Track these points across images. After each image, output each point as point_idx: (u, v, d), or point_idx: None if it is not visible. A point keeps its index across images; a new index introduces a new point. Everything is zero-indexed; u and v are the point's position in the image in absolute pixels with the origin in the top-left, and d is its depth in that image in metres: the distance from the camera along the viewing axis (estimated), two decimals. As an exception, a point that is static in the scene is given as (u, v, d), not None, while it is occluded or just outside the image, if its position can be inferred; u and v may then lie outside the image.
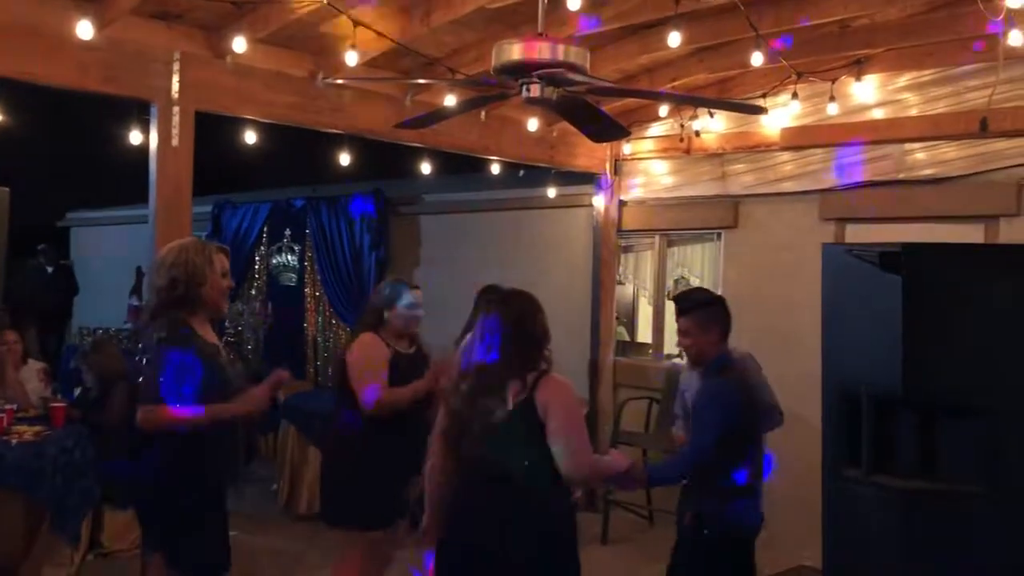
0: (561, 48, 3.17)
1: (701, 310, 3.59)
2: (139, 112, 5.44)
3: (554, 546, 2.89)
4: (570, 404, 2.94)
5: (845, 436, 2.14)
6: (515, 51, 3.20)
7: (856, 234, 6.11)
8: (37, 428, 5.30)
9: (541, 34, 3.35)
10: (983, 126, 5.29)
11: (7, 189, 3.39)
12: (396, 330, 4.29)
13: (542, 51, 3.16)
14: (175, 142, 4.78)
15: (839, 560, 2.31)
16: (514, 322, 2.96)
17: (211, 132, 5.06)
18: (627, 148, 7.31)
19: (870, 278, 2.08)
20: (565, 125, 6.52)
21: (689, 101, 5.59)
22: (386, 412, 4.07)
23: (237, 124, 5.60)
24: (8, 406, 5.34)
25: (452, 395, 2.99)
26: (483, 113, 6.19)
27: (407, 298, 4.28)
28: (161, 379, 3.14)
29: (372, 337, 4.25)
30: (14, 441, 5.01)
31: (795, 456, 6.14)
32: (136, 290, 10.19)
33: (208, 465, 3.33)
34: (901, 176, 6.03)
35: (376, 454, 4.12)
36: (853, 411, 2.16)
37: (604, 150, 7.28)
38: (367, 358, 4.19)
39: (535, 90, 3.26)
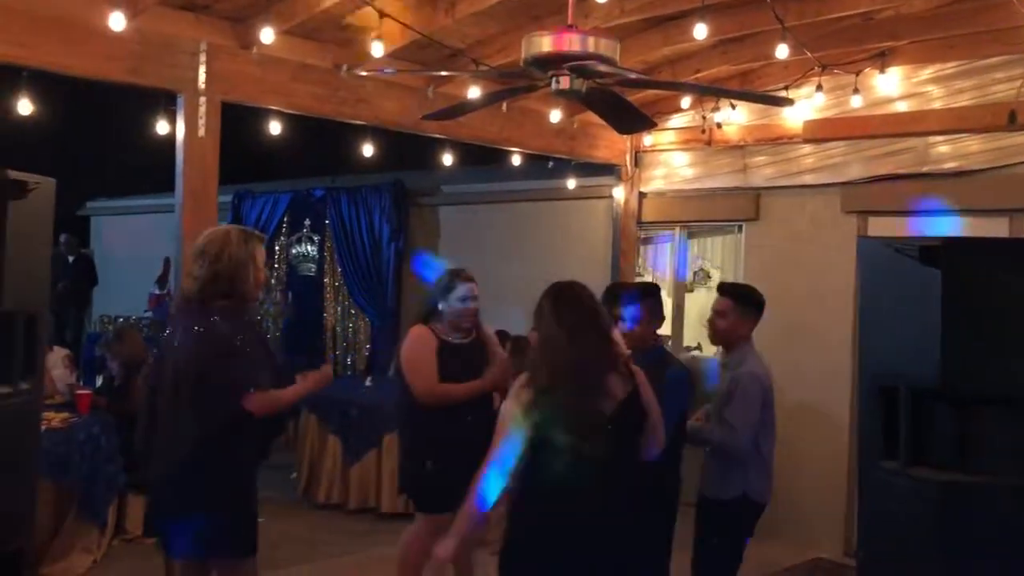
0: (592, 40, 3.18)
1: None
2: (166, 102, 5.47)
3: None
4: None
5: (881, 429, 2.15)
6: (546, 43, 3.20)
7: (878, 227, 6.10)
8: (64, 415, 5.37)
9: (571, 26, 3.35)
10: (1012, 119, 5.25)
11: (53, 180, 3.41)
12: (448, 321, 4.25)
13: (573, 43, 3.16)
14: (201, 132, 4.82)
15: (874, 553, 2.33)
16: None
17: (231, 122, 5.09)
18: (648, 140, 7.30)
19: (907, 272, 2.09)
20: (586, 116, 6.55)
21: (717, 92, 5.58)
22: (441, 405, 4.10)
23: (257, 114, 5.64)
24: (42, 398, 5.39)
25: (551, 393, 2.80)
26: (504, 105, 6.20)
27: (460, 291, 4.23)
28: (251, 366, 3.22)
29: (420, 330, 4.24)
30: (42, 428, 5.07)
31: (817, 450, 6.17)
32: (162, 279, 10.25)
33: (247, 449, 3.37)
34: (924, 169, 6.00)
35: (441, 440, 4.15)
36: (889, 404, 2.17)
37: (624, 141, 7.27)
38: (415, 352, 4.20)
39: (565, 82, 3.26)
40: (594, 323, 2.89)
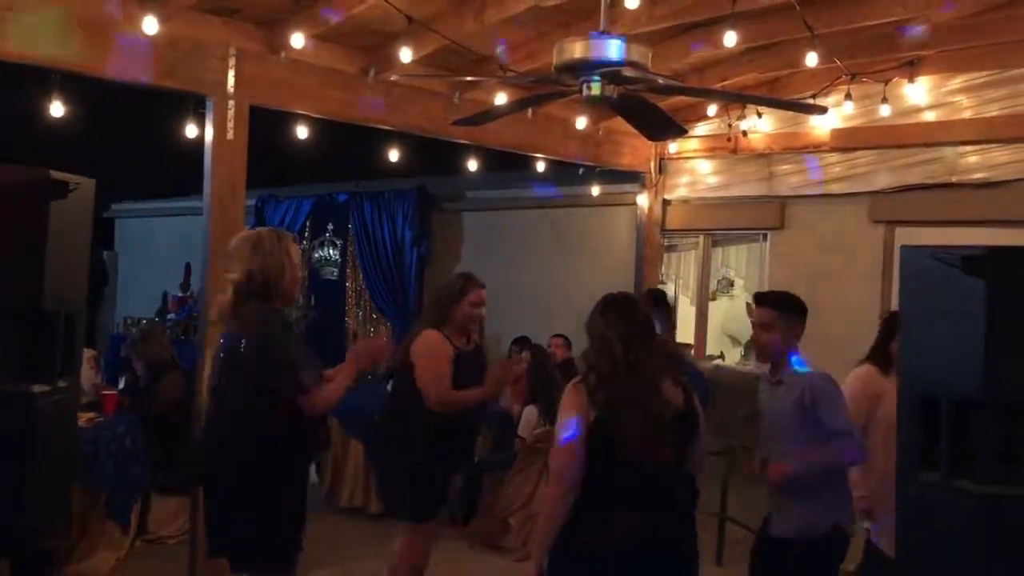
0: (625, 46, 3.17)
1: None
2: (194, 106, 5.51)
3: None
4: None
5: (922, 441, 2.13)
6: (578, 48, 3.21)
7: (905, 237, 6.05)
8: (90, 415, 5.40)
9: (603, 32, 3.35)
10: (1043, 129, 5.21)
11: (93, 180, 3.44)
12: (458, 327, 4.24)
13: (607, 49, 3.16)
14: (230, 135, 4.85)
15: (913, 564, 2.30)
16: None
17: (255, 126, 5.11)
18: (672, 147, 7.29)
19: (950, 281, 2.07)
20: (611, 123, 6.55)
21: (748, 100, 5.57)
22: (448, 410, 4.10)
23: (282, 118, 5.65)
24: (79, 397, 5.43)
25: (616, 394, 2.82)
26: (530, 111, 6.20)
27: (472, 296, 4.24)
28: (301, 368, 3.19)
29: (435, 335, 4.18)
30: (68, 427, 5.11)
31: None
32: (184, 284, 10.33)
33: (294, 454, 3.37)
34: (953, 179, 5.96)
35: (431, 446, 4.17)
36: (930, 416, 2.15)
37: (649, 148, 7.26)
38: (433, 357, 4.14)
39: (596, 88, 3.26)
40: (646, 330, 2.95)
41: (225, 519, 3.32)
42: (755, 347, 3.77)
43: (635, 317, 2.95)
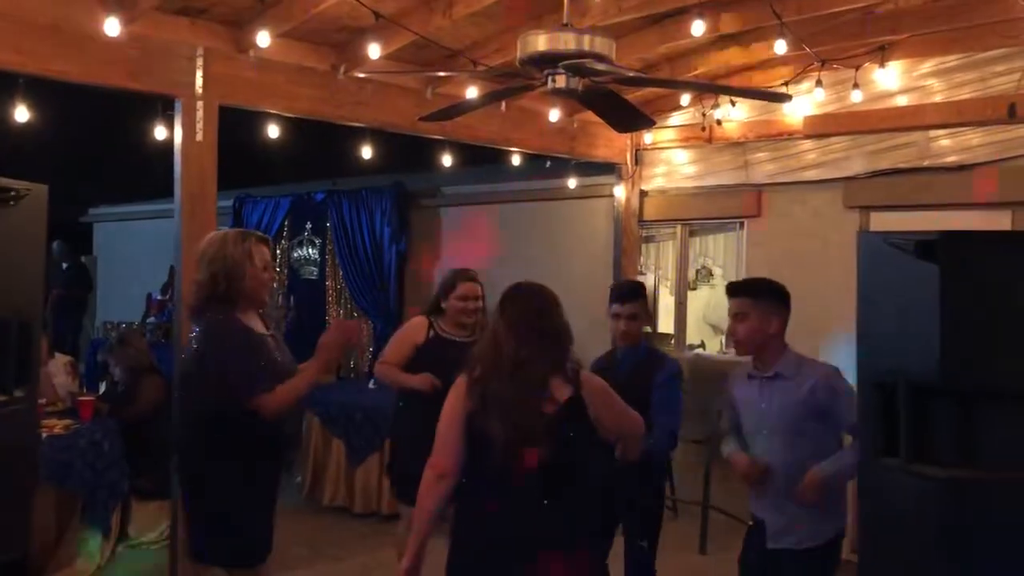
0: (587, 38, 3.16)
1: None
2: (163, 107, 5.47)
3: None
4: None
5: (882, 426, 2.13)
6: (541, 42, 3.19)
7: (881, 222, 6.09)
8: (66, 421, 5.36)
9: (566, 24, 3.34)
10: (1011, 112, 5.24)
11: (45, 186, 3.40)
12: (452, 319, 4.42)
13: (567, 41, 3.15)
14: (199, 136, 4.81)
15: (875, 551, 2.31)
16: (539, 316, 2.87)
17: (231, 126, 5.09)
18: (648, 138, 7.29)
19: (906, 266, 2.08)
20: (586, 116, 6.54)
21: (714, 89, 5.58)
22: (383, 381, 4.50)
23: (257, 118, 5.63)
24: (37, 405, 5.39)
25: (492, 392, 2.78)
26: (503, 105, 6.19)
27: (460, 290, 4.41)
28: (249, 369, 3.17)
29: (417, 319, 4.53)
30: (44, 435, 5.07)
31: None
32: (167, 287, 10.27)
33: (276, 449, 3.38)
34: (926, 163, 5.98)
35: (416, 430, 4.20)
36: (889, 400, 2.15)
37: (624, 140, 7.26)
38: (397, 335, 4.57)
39: (561, 81, 3.25)
40: (540, 323, 2.82)
41: (195, 521, 3.36)
42: (731, 341, 3.50)
43: (532, 311, 2.84)
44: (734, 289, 3.45)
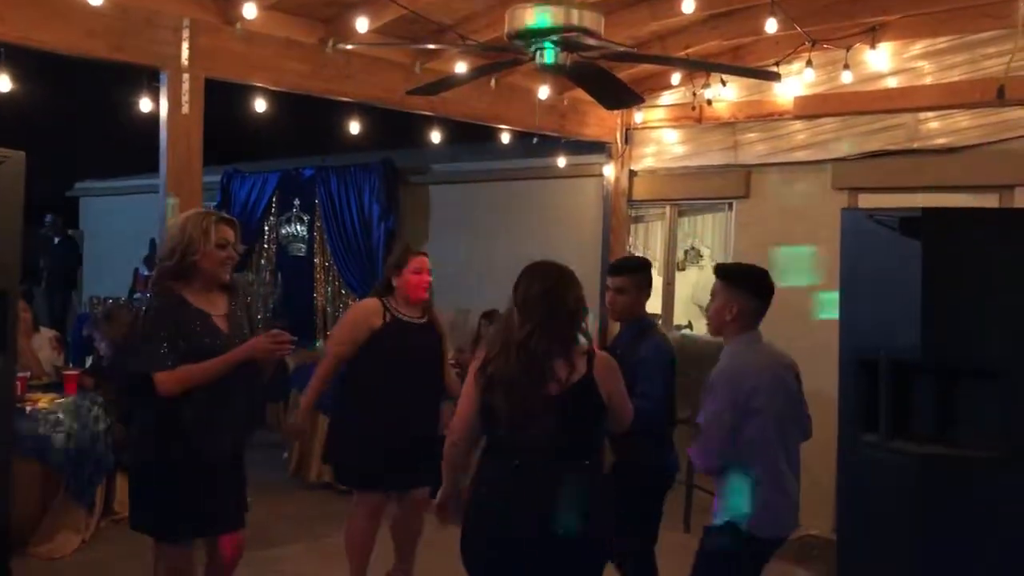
0: (576, 12, 3.13)
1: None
2: (149, 80, 5.41)
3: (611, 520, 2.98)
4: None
5: (863, 402, 2.13)
6: (528, 16, 3.16)
7: (869, 203, 6.08)
8: (51, 396, 5.35)
9: (555, -2, 3.30)
10: (1000, 94, 5.23)
11: (23, 153, 3.36)
12: (404, 297, 4.30)
13: (556, 15, 3.12)
14: (185, 109, 4.76)
15: (853, 527, 2.31)
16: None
17: (219, 100, 5.03)
18: (638, 117, 7.26)
19: (889, 243, 2.07)
20: (576, 93, 6.50)
21: (704, 67, 5.54)
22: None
23: (245, 92, 5.57)
24: (21, 374, 5.37)
25: (498, 371, 2.87)
26: (493, 81, 6.15)
27: (412, 264, 4.29)
28: (162, 345, 3.24)
29: (371, 301, 4.35)
30: (28, 409, 5.05)
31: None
32: (149, 260, 10.21)
33: (196, 429, 3.34)
34: (915, 145, 5.98)
35: (365, 417, 4.21)
36: (870, 377, 2.15)
37: (615, 119, 7.23)
38: (349, 319, 4.45)
39: (549, 56, 3.22)
40: (547, 302, 2.87)
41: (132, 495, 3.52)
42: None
43: (539, 290, 2.89)
44: (716, 270, 3.52)
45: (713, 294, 3.40)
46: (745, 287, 3.32)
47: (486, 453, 3.00)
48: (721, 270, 3.48)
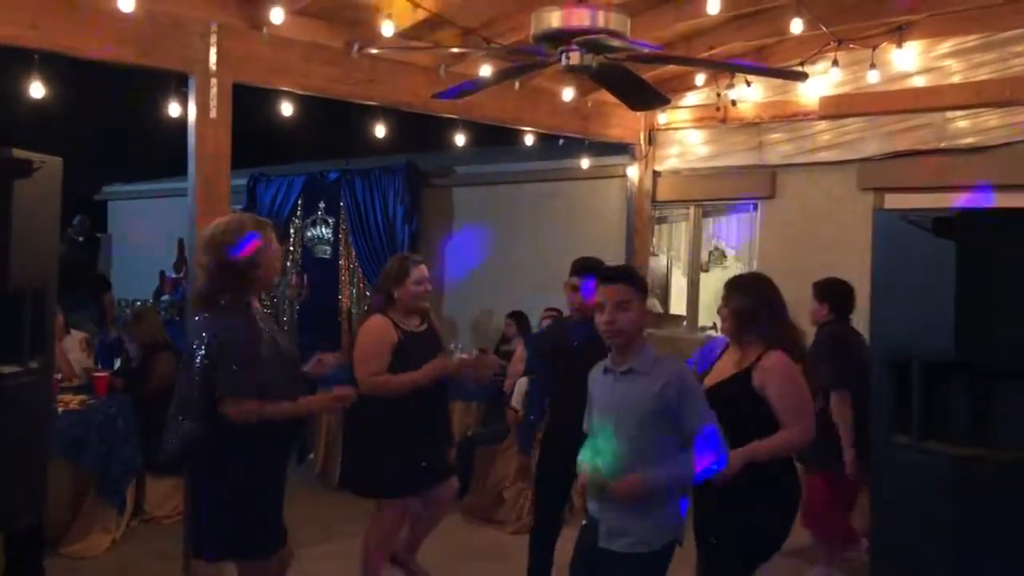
0: (602, 14, 3.14)
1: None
2: (177, 84, 5.46)
3: None
4: None
5: (895, 403, 2.12)
6: (555, 18, 3.17)
7: (895, 203, 6.04)
8: (81, 397, 5.41)
9: (581, 0, 3.31)
10: (1030, 92, 5.18)
11: (59, 158, 3.41)
12: (405, 307, 4.27)
13: (582, 18, 3.13)
14: (213, 114, 4.80)
15: (887, 527, 2.30)
16: None
17: (245, 105, 5.07)
18: (662, 118, 7.25)
19: (922, 244, 2.06)
20: (599, 95, 6.50)
21: (730, 68, 5.52)
22: (383, 394, 4.12)
23: (272, 97, 5.62)
24: (52, 376, 5.44)
25: None
26: (517, 84, 6.16)
27: (415, 275, 4.26)
28: (243, 371, 3.06)
29: (380, 321, 4.24)
30: (60, 410, 5.11)
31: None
32: (178, 263, 10.31)
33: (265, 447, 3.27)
34: (942, 145, 5.93)
35: (388, 425, 4.20)
36: (903, 377, 2.14)
37: (638, 120, 7.22)
38: (370, 342, 4.22)
39: (575, 58, 3.23)
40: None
41: (197, 511, 3.31)
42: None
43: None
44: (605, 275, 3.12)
45: (624, 302, 2.97)
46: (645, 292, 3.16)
47: None
48: (620, 274, 3.11)
